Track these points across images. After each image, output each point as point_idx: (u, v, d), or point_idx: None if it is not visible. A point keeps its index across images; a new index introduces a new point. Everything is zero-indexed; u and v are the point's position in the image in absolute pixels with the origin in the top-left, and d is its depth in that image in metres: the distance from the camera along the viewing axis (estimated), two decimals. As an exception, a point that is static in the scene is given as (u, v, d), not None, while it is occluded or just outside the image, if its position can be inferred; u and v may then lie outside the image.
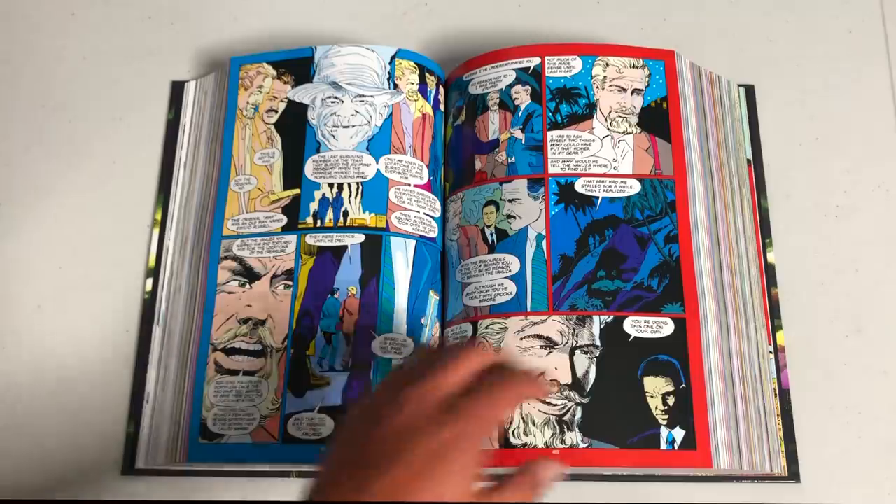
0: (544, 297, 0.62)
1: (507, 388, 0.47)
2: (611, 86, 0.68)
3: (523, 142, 0.67)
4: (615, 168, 0.66)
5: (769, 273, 0.68)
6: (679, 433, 0.59)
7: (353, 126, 0.68)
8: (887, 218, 0.71)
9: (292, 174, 0.67)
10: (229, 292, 0.65)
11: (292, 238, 0.66)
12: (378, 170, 0.66)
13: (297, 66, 0.70)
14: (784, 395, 0.65)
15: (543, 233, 0.64)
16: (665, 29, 0.77)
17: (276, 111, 0.69)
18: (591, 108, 0.67)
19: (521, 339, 0.62)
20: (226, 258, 0.66)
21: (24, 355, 0.67)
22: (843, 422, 0.65)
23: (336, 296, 0.63)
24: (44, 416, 0.65)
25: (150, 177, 0.72)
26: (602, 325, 0.62)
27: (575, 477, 0.63)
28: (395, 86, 0.69)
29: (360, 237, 0.65)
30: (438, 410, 0.45)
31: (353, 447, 0.45)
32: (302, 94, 0.69)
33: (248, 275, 0.65)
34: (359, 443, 0.45)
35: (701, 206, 0.66)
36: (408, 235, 0.65)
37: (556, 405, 0.60)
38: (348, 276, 0.64)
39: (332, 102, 0.68)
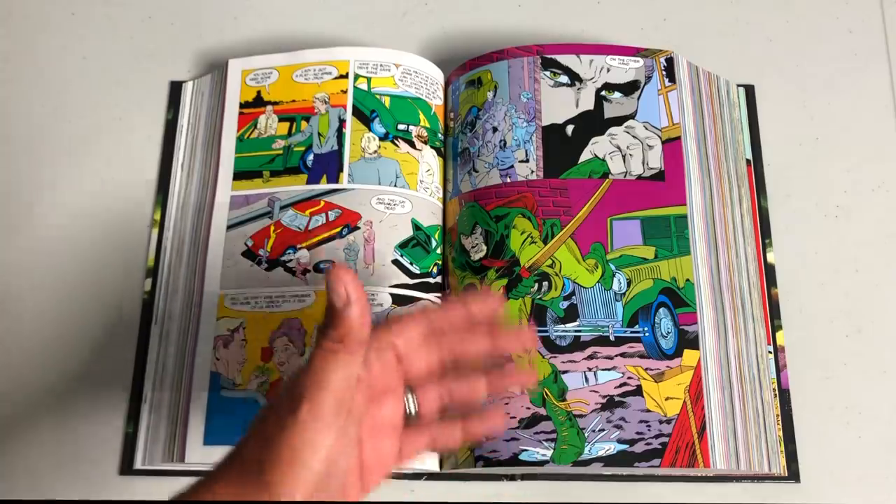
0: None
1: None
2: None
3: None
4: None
5: (769, 273, 0.68)
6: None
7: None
8: (887, 218, 0.71)
9: (291, 174, 0.68)
10: (228, 292, 0.65)
11: (291, 238, 0.66)
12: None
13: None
14: (784, 395, 0.65)
15: None
16: (665, 29, 0.77)
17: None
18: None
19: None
20: (224, 258, 0.66)
21: (24, 355, 0.67)
22: (843, 422, 0.65)
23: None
24: (44, 416, 0.65)
25: (150, 177, 0.72)
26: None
27: (574, 477, 0.63)
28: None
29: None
30: None
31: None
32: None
33: (248, 275, 0.65)
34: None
35: (698, 205, 0.66)
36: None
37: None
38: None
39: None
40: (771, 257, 0.69)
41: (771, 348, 0.65)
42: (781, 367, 0.65)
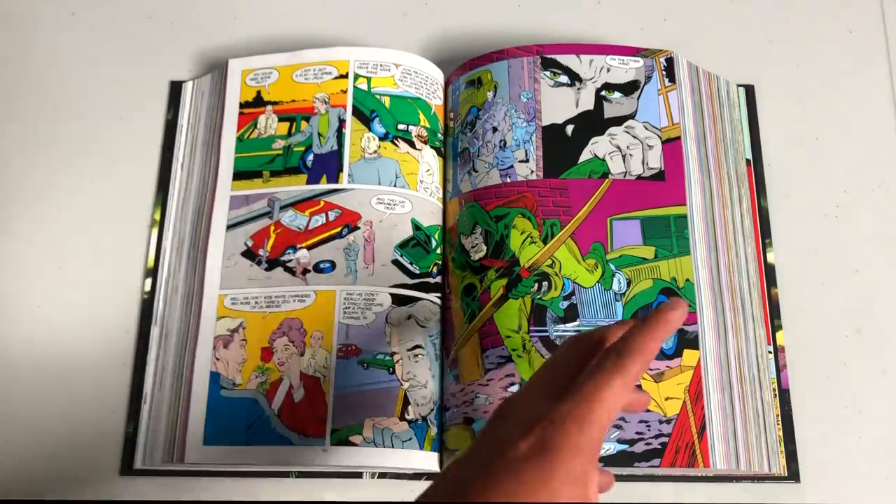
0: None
1: (627, 349, 0.43)
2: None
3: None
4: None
5: (769, 273, 0.68)
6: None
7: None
8: (887, 218, 0.71)
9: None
10: (228, 292, 0.65)
11: (291, 238, 0.66)
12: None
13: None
14: (784, 395, 0.65)
15: None
16: (665, 29, 0.77)
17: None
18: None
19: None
20: (224, 258, 0.66)
21: (23, 355, 0.67)
22: (843, 422, 0.65)
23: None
24: (43, 416, 0.65)
25: (150, 177, 0.72)
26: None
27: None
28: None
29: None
30: (541, 399, 0.42)
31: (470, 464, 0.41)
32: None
33: (248, 275, 0.65)
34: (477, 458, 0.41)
35: (698, 205, 0.66)
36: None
37: None
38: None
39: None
40: (771, 257, 0.69)
41: (771, 348, 0.65)
42: (781, 367, 0.65)
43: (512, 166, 0.66)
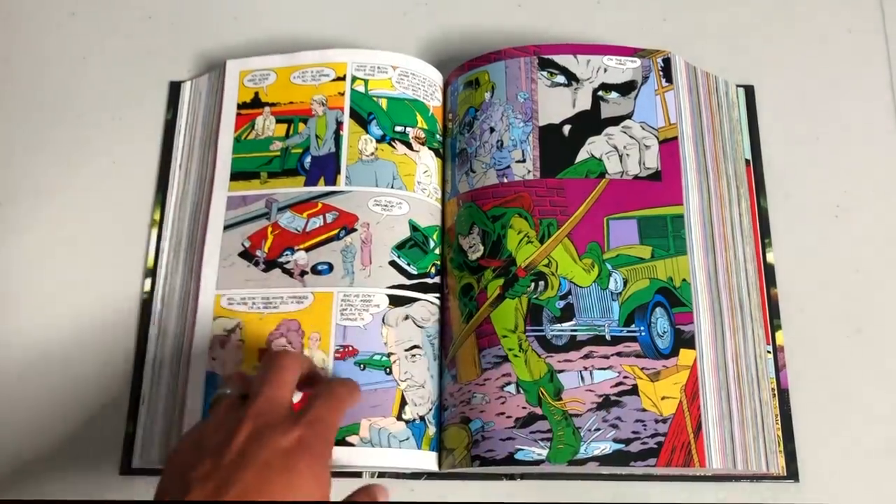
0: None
1: (338, 394, 0.55)
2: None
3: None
4: None
5: (769, 273, 0.68)
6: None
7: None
8: (887, 218, 0.71)
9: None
10: (226, 293, 0.65)
11: (289, 239, 0.66)
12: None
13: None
14: (783, 395, 0.65)
15: None
16: (665, 29, 0.77)
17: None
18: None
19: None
20: (221, 259, 0.66)
21: (24, 355, 0.67)
22: (843, 422, 0.65)
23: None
24: (44, 416, 0.65)
25: (149, 177, 0.72)
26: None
27: (574, 476, 0.63)
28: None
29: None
30: (281, 419, 0.49)
31: (194, 468, 0.47)
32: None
33: (246, 276, 0.65)
34: (202, 462, 0.47)
35: (695, 205, 0.66)
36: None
37: None
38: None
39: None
40: (771, 257, 0.69)
41: (770, 348, 0.65)
42: (781, 366, 0.65)
43: (509, 166, 0.66)
